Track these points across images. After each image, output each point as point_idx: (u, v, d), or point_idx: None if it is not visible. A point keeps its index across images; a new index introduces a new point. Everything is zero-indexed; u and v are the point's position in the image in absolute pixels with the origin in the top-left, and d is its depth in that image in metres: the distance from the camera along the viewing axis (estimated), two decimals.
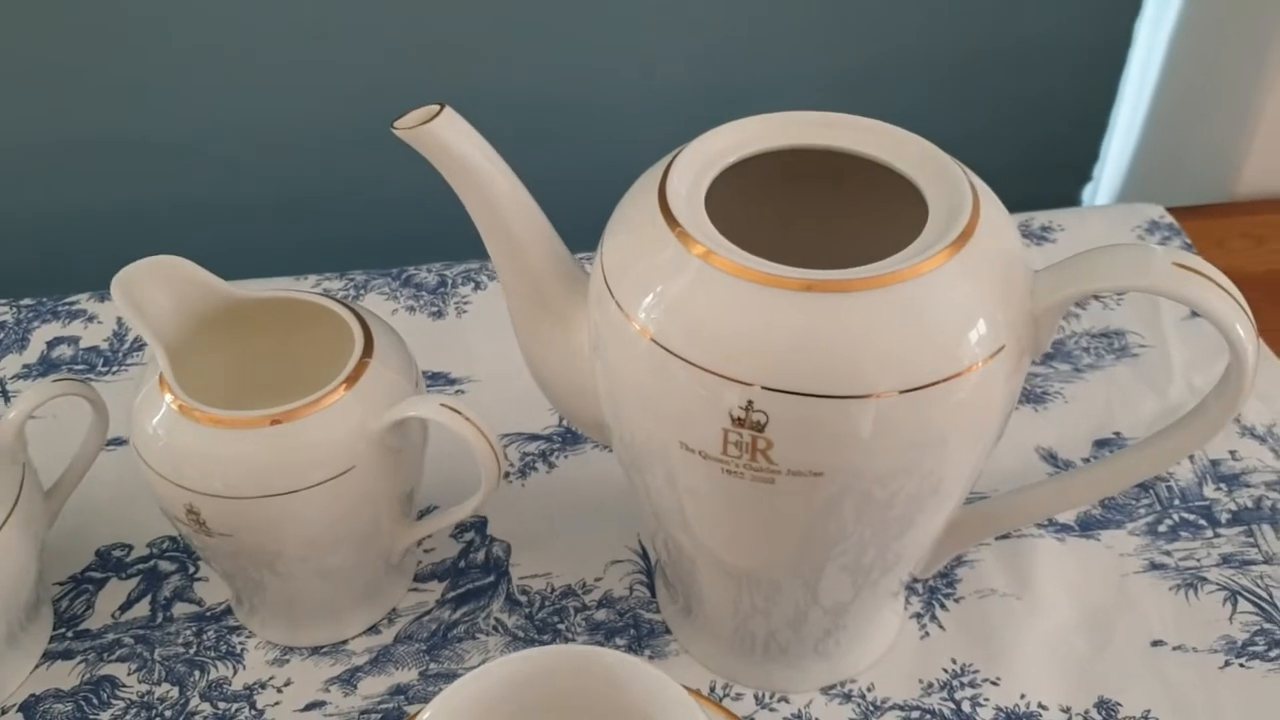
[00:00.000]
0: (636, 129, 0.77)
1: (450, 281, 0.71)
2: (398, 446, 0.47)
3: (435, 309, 0.69)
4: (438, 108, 0.43)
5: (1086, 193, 0.96)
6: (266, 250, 0.80)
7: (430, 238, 0.71)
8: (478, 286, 0.70)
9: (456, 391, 0.63)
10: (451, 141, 0.43)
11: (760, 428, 0.39)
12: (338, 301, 0.49)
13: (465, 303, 0.69)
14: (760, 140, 0.44)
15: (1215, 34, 0.79)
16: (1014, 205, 0.77)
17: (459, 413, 0.45)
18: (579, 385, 0.46)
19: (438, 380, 0.64)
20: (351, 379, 0.46)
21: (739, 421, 0.39)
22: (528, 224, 0.45)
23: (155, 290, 0.48)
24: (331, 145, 0.78)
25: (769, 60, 0.82)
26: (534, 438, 0.61)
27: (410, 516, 0.52)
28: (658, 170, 0.43)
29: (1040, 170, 0.92)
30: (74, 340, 0.68)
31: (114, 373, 0.66)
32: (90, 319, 0.69)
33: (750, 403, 0.38)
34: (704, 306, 0.39)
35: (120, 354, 0.67)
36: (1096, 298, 0.68)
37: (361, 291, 0.70)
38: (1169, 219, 0.74)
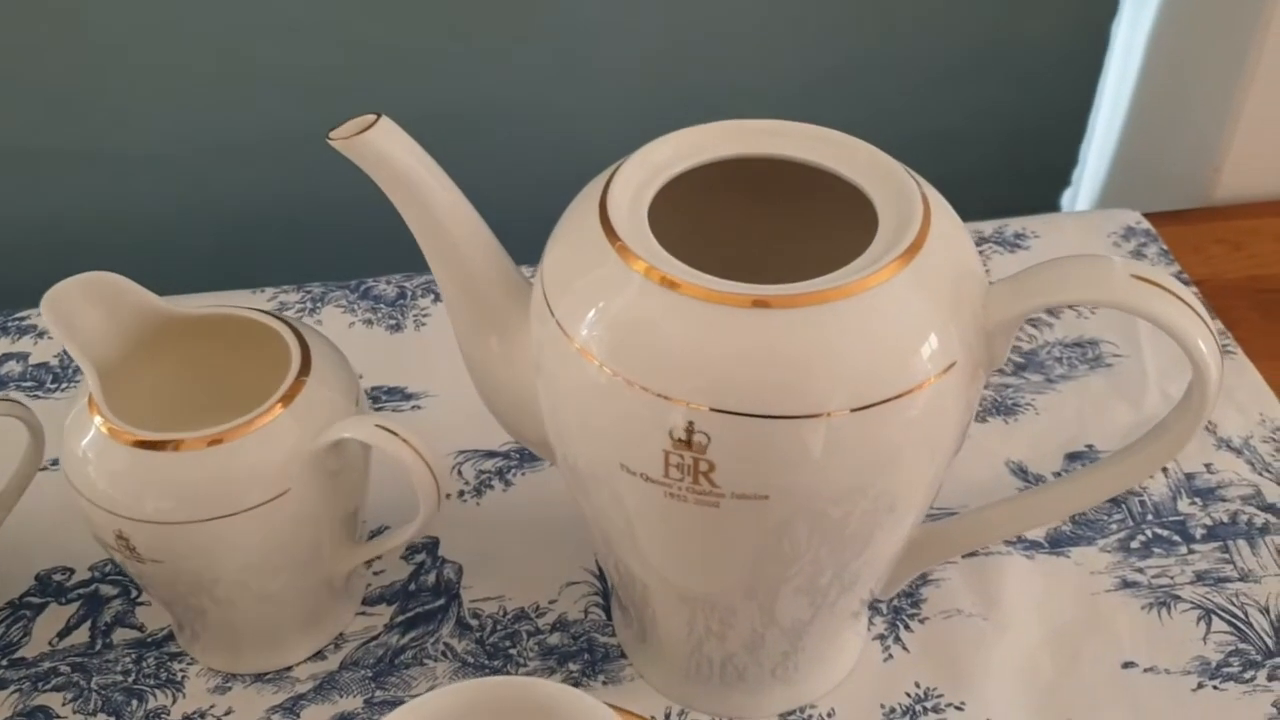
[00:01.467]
0: (586, 134, 0.75)
1: (409, 294, 0.69)
2: (336, 468, 0.45)
3: (394, 321, 0.67)
4: (373, 117, 0.41)
5: (1066, 198, 0.94)
6: (223, 262, 0.79)
7: (390, 248, 0.70)
8: (437, 298, 0.69)
9: (413, 407, 0.62)
10: (388, 152, 0.41)
11: (702, 449, 0.37)
12: (275, 317, 0.48)
13: (424, 315, 0.68)
14: (707, 150, 0.42)
15: (1193, 35, 0.78)
16: (992, 211, 0.76)
17: (395, 434, 0.43)
18: (524, 403, 0.44)
19: (394, 395, 0.63)
20: (287, 398, 0.44)
21: (680, 443, 0.37)
22: (469, 236, 0.43)
23: (88, 308, 0.46)
24: (284, 155, 0.76)
25: (738, 62, 0.81)
26: (491, 454, 0.59)
27: (355, 538, 0.50)
28: (599, 182, 0.41)
29: (1018, 175, 0.91)
30: (23, 357, 0.66)
31: (63, 389, 0.64)
32: (40, 335, 0.68)
33: (691, 424, 0.37)
34: (644, 324, 0.37)
35: (70, 371, 0.65)
36: (1070, 307, 0.66)
37: (319, 304, 0.69)
38: (1145, 225, 0.73)
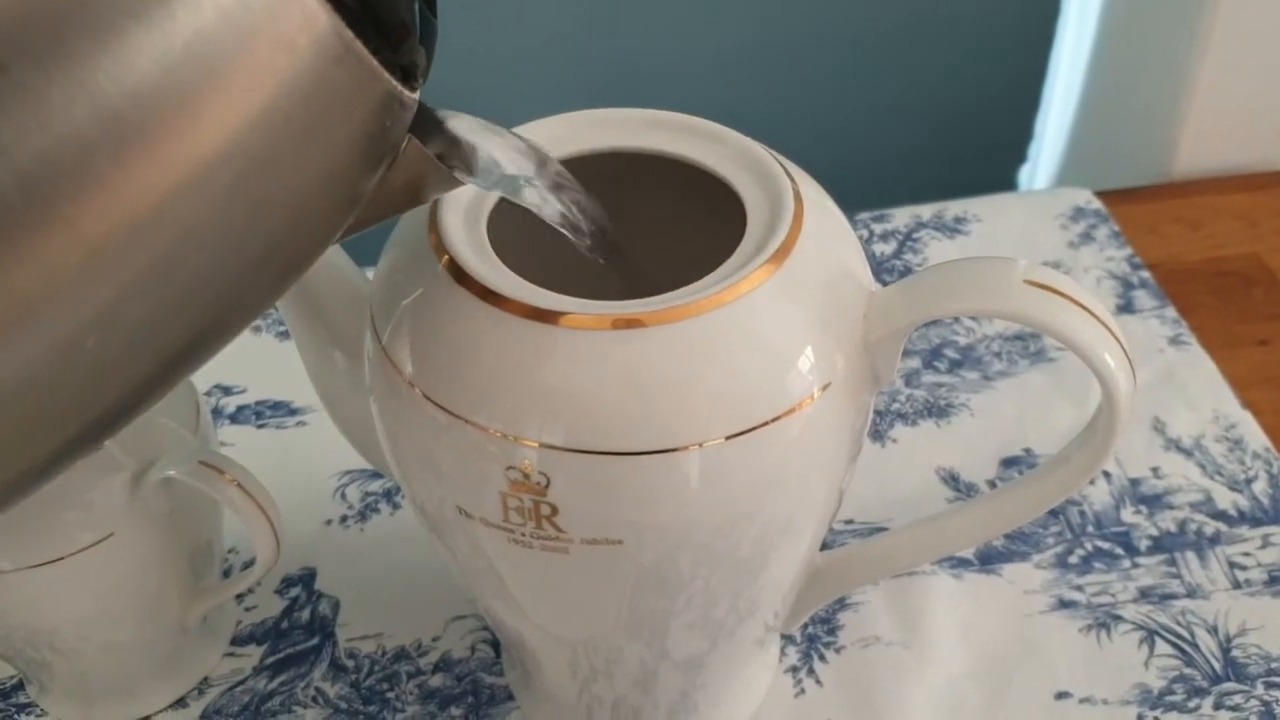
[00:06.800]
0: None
1: None
2: (166, 508, 0.41)
3: (284, 328, 0.63)
4: None
5: (1024, 175, 0.89)
6: None
7: None
8: None
9: (298, 423, 0.57)
10: None
11: (541, 491, 0.33)
12: None
13: None
14: (561, 145, 0.37)
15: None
16: (946, 191, 0.71)
17: (221, 472, 0.39)
18: (372, 430, 0.40)
19: (279, 410, 0.58)
20: None
21: (517, 485, 0.33)
22: None
23: None
24: None
25: (667, 35, 0.76)
26: (378, 475, 0.55)
27: (212, 576, 0.46)
28: None
29: (972, 152, 0.86)
30: None
31: None
32: None
33: (527, 463, 0.32)
34: (472, 351, 0.33)
35: None
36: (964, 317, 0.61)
37: None
38: (1096, 205, 0.68)
